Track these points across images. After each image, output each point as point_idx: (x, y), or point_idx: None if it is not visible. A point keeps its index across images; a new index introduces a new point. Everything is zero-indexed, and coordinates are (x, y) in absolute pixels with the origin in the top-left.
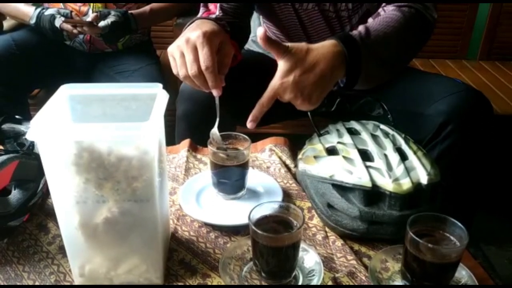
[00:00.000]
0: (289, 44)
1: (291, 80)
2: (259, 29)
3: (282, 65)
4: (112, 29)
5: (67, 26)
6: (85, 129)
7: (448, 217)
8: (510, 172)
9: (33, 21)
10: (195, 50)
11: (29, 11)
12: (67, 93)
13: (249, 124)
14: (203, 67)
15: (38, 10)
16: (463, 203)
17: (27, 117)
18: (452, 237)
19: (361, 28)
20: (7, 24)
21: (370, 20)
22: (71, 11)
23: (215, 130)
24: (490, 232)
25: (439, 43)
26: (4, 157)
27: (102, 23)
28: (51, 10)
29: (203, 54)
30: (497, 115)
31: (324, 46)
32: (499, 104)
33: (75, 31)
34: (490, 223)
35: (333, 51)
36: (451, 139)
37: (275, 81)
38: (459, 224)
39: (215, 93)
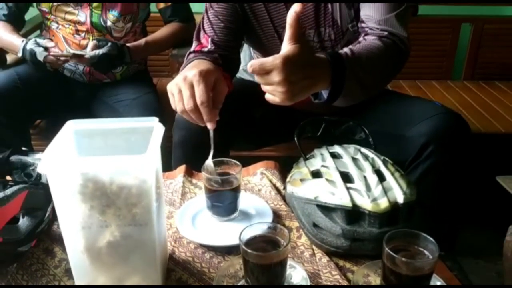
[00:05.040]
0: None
1: (294, 65)
2: (295, 5)
3: (294, 48)
4: (102, 59)
5: (51, 59)
6: (89, 162)
7: (421, 233)
8: (498, 187)
9: (20, 54)
10: (191, 87)
11: (18, 44)
12: (73, 128)
13: (250, 69)
14: (198, 102)
15: (24, 42)
16: (446, 219)
17: (29, 147)
18: (425, 251)
19: (347, 49)
20: (10, 58)
21: (352, 46)
22: (51, 39)
23: (209, 162)
24: (478, 247)
25: (425, 64)
26: (15, 187)
27: (90, 53)
28: (30, 43)
29: (199, 91)
30: (480, 133)
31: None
32: (483, 123)
33: (59, 62)
34: (479, 238)
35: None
36: (432, 159)
37: (280, 57)
38: (431, 239)
39: (210, 126)
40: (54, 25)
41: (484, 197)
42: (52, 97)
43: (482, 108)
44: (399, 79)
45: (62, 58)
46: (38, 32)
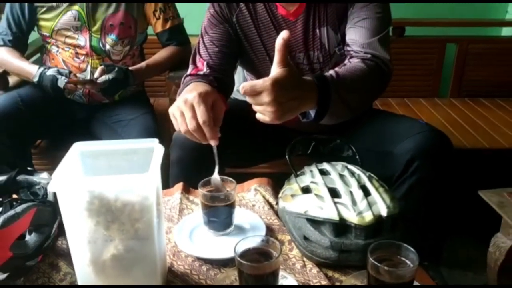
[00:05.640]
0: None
1: (283, 87)
2: (283, 33)
3: (283, 71)
4: (111, 84)
5: (71, 86)
6: (96, 180)
7: (403, 244)
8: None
9: (36, 79)
10: (192, 108)
11: (32, 70)
12: (79, 149)
13: (241, 90)
14: (200, 122)
15: (41, 69)
16: (432, 232)
17: (30, 166)
18: (407, 261)
19: (332, 72)
20: (12, 80)
21: (337, 68)
22: (70, 71)
23: (216, 176)
24: (467, 259)
25: (413, 83)
26: (24, 205)
27: (101, 79)
28: (51, 70)
29: (200, 111)
30: (466, 149)
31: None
32: (468, 139)
33: (75, 87)
34: (468, 250)
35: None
36: (417, 174)
37: (270, 80)
38: (412, 249)
39: (213, 143)
40: (54, 49)
41: (472, 210)
42: (52, 118)
43: (467, 125)
44: (388, 97)
45: (79, 86)
46: (38, 55)
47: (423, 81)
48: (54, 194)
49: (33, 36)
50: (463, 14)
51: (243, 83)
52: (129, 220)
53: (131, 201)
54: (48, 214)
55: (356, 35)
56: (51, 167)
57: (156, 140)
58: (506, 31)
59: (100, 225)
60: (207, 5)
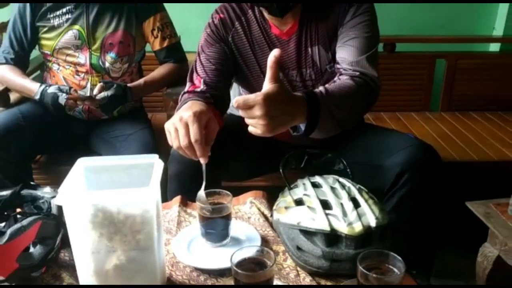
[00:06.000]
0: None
1: (274, 102)
2: (275, 51)
3: (274, 87)
4: (110, 101)
5: (71, 102)
6: (99, 195)
7: (390, 253)
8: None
9: (37, 97)
10: (186, 126)
11: (34, 88)
12: (83, 165)
13: (235, 104)
14: (192, 140)
15: (42, 87)
16: (422, 242)
17: (31, 180)
18: (394, 268)
19: (322, 88)
20: (13, 97)
21: (327, 85)
22: (70, 87)
23: (201, 193)
24: (458, 268)
25: (404, 97)
26: (30, 218)
27: (100, 95)
28: (52, 88)
29: (193, 130)
30: (456, 161)
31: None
32: (458, 152)
33: (75, 104)
34: (459, 259)
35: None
36: (407, 186)
37: (261, 94)
38: (399, 257)
39: (202, 161)
40: (55, 67)
41: (462, 221)
42: (52, 133)
43: (457, 138)
44: (380, 111)
45: (79, 102)
46: (38, 72)
47: (414, 95)
48: (58, 208)
49: (33, 53)
50: (451, 31)
51: (236, 97)
52: (131, 231)
53: (132, 213)
54: (52, 227)
55: (346, 54)
56: (50, 182)
57: (156, 156)
58: (493, 47)
59: (103, 236)
60: (203, 22)
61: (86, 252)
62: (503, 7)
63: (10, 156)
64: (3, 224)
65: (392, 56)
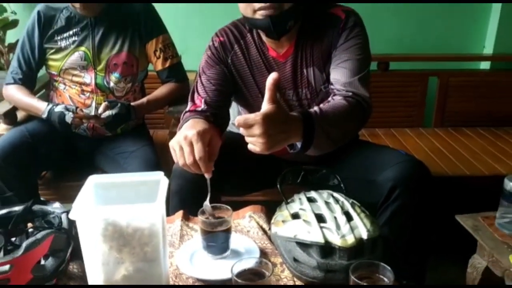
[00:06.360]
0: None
1: (272, 121)
2: (273, 74)
3: (272, 107)
4: (114, 119)
5: (77, 121)
6: (110, 209)
7: (381, 263)
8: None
9: (44, 115)
10: (191, 144)
11: (41, 107)
12: (93, 182)
13: (236, 123)
14: (197, 157)
15: (50, 106)
16: (415, 254)
17: (37, 196)
18: (384, 278)
19: (316, 108)
20: (20, 115)
21: (321, 105)
22: (77, 107)
23: (207, 203)
24: (449, 279)
25: (398, 114)
26: (43, 232)
27: (105, 114)
28: (59, 107)
29: (197, 148)
30: (448, 176)
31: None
32: (450, 167)
33: (81, 122)
34: (450, 271)
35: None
36: (399, 200)
37: (261, 114)
38: (389, 268)
39: (207, 176)
40: (61, 86)
41: (454, 233)
42: (58, 150)
43: (450, 153)
44: (375, 127)
45: (84, 120)
46: (44, 91)
47: (408, 112)
48: (69, 222)
49: (39, 72)
50: (443, 49)
51: (237, 116)
52: (139, 244)
53: (141, 227)
54: (63, 240)
55: (339, 75)
56: (56, 197)
57: (161, 173)
58: (484, 65)
59: (113, 249)
60: (203, 42)
61: (96, 263)
62: (493, 26)
63: (17, 172)
64: (16, 238)
65: (386, 75)
